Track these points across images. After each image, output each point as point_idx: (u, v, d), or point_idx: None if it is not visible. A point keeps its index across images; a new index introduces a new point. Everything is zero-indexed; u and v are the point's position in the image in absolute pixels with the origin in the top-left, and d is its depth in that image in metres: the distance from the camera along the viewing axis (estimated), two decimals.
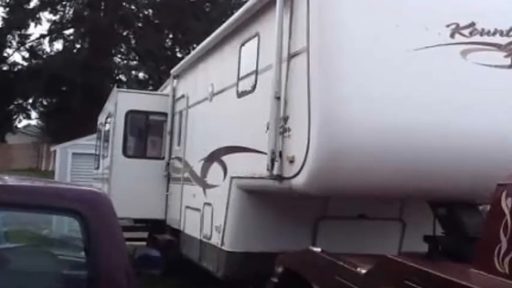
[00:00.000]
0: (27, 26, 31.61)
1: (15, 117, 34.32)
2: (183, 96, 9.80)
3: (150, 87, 28.11)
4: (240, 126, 6.97)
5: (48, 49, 32.70)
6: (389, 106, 5.11)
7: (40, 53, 32.66)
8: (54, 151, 20.59)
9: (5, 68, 32.62)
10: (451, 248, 4.88)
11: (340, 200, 6.13)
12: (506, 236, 3.48)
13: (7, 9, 31.26)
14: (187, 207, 8.90)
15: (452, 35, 5.22)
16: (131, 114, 10.54)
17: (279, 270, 5.57)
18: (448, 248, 4.91)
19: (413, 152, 5.11)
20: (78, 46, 32.65)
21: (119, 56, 34.40)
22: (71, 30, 32.65)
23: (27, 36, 32.28)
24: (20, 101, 33.48)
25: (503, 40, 5.33)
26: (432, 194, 5.36)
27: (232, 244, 6.78)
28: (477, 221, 4.93)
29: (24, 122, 35.89)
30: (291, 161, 5.43)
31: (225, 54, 7.85)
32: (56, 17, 32.18)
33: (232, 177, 6.87)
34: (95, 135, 14.60)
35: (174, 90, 10.46)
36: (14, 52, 32.73)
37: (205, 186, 8.04)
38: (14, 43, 32.34)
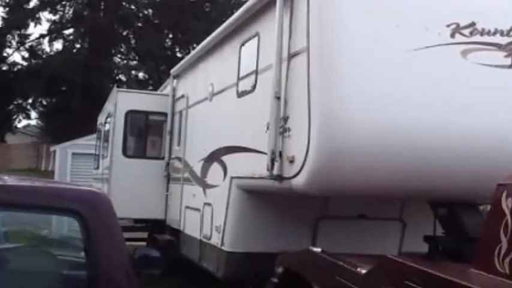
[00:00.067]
0: (26, 26, 31.61)
1: (14, 117, 34.32)
2: (183, 96, 9.80)
3: (150, 87, 28.09)
4: (240, 126, 6.96)
5: (48, 49, 32.77)
6: (390, 106, 5.11)
7: (40, 52, 32.66)
8: (54, 151, 20.57)
9: (4, 68, 32.63)
10: (451, 248, 4.88)
11: (340, 200, 6.12)
12: (506, 236, 3.47)
13: (7, 9, 31.27)
14: (187, 207, 8.90)
15: (452, 35, 5.21)
16: (131, 114, 10.53)
17: (279, 271, 5.57)
18: (448, 248, 4.90)
19: (413, 152, 5.11)
20: (78, 46, 32.65)
21: (119, 56, 34.41)
22: (70, 30, 32.67)
23: (27, 36, 32.30)
24: (20, 101, 33.47)
25: (504, 40, 5.32)
26: (432, 194, 5.36)
27: (232, 244, 6.77)
28: (477, 221, 4.93)
29: (24, 122, 35.97)
30: (291, 161, 5.42)
31: (225, 54, 7.85)
32: (56, 17, 32.22)
33: (232, 177, 6.86)
34: (94, 135, 14.60)
35: (174, 90, 10.45)
36: (13, 52, 32.80)
37: (205, 186, 8.04)
38: (14, 43, 32.39)
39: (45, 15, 31.66)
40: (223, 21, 8.05)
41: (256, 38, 6.58)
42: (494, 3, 5.52)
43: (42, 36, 32.41)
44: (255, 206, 6.63)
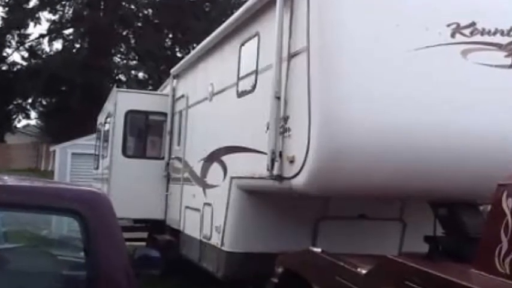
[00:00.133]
0: (26, 26, 31.61)
1: (14, 117, 34.33)
2: (182, 96, 9.79)
3: (150, 87, 28.09)
4: (240, 126, 6.96)
5: (47, 49, 32.78)
6: (390, 106, 5.10)
7: (39, 52, 32.67)
8: (54, 151, 20.58)
9: (4, 68, 32.63)
10: (451, 248, 4.87)
11: (340, 200, 6.12)
12: (507, 237, 3.47)
13: (6, 8, 31.26)
14: (187, 207, 8.89)
15: (452, 35, 5.21)
16: (131, 114, 10.53)
17: (279, 271, 5.56)
18: (448, 249, 4.90)
19: (413, 152, 5.10)
20: (77, 46, 32.66)
21: (119, 55, 34.41)
22: (70, 30, 32.67)
23: (27, 36, 32.32)
24: (20, 101, 33.47)
25: (504, 40, 5.32)
26: (432, 194, 5.35)
27: (232, 244, 6.77)
28: (478, 221, 4.93)
29: (24, 122, 35.97)
30: (291, 161, 5.42)
31: (225, 54, 7.84)
32: (56, 17, 32.23)
33: (232, 178, 6.86)
34: (94, 135, 14.59)
35: (173, 90, 10.45)
36: (13, 52, 32.80)
37: (205, 186, 8.03)
38: (14, 43, 32.39)
39: (45, 15, 31.74)
40: (223, 21, 8.05)
41: (256, 38, 6.57)
42: (494, 3, 5.52)
43: (42, 36, 32.44)
44: (255, 206, 6.62)
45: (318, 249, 5.35)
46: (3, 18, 31.38)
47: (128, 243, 3.34)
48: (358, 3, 5.30)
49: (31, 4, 31.20)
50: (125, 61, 34.19)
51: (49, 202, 3.09)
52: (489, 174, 4.20)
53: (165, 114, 10.45)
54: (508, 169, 3.85)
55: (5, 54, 32.46)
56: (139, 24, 32.73)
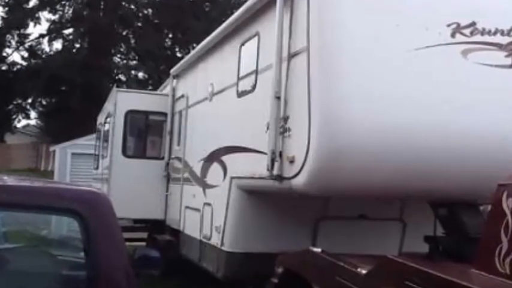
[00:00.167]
0: (26, 26, 31.62)
1: (14, 117, 34.34)
2: (182, 96, 9.79)
3: (150, 87, 28.10)
4: (240, 126, 6.96)
5: (47, 49, 32.81)
6: (390, 106, 5.10)
7: (39, 52, 32.69)
8: (54, 151, 20.58)
9: (4, 68, 32.63)
10: (451, 248, 4.87)
11: (340, 200, 6.12)
12: (507, 237, 3.47)
13: (6, 8, 31.27)
14: (187, 207, 8.89)
15: (453, 35, 5.21)
16: (131, 114, 10.52)
17: (279, 271, 5.56)
18: (448, 249, 4.90)
19: (413, 152, 5.10)
20: (77, 46, 32.67)
21: (119, 55, 34.42)
22: (70, 30, 32.69)
23: (27, 35, 32.33)
24: (19, 101, 33.49)
25: (504, 40, 5.32)
26: (433, 194, 5.35)
27: (232, 244, 6.76)
28: (478, 222, 4.92)
29: (24, 122, 36.00)
30: (291, 161, 5.41)
31: (225, 53, 7.84)
32: (55, 17, 32.25)
33: (232, 178, 6.85)
34: (94, 135, 14.59)
35: (173, 90, 10.44)
36: (13, 52, 32.82)
37: (205, 186, 8.03)
38: (13, 43, 32.42)
39: (45, 15, 31.76)
40: (223, 21, 8.04)
41: (256, 38, 6.57)
42: (494, 3, 5.52)
43: (42, 36, 32.45)
44: (255, 206, 6.62)
45: (318, 249, 5.35)
46: (3, 18, 31.42)
47: (127, 243, 3.34)
48: (358, 3, 5.30)
49: (31, 4, 31.26)
50: (124, 61, 34.22)
51: (49, 202, 3.09)
52: (489, 174, 4.20)
53: (165, 114, 10.45)
54: (508, 169, 3.84)
55: (4, 54, 32.52)
56: (139, 24, 32.74)
